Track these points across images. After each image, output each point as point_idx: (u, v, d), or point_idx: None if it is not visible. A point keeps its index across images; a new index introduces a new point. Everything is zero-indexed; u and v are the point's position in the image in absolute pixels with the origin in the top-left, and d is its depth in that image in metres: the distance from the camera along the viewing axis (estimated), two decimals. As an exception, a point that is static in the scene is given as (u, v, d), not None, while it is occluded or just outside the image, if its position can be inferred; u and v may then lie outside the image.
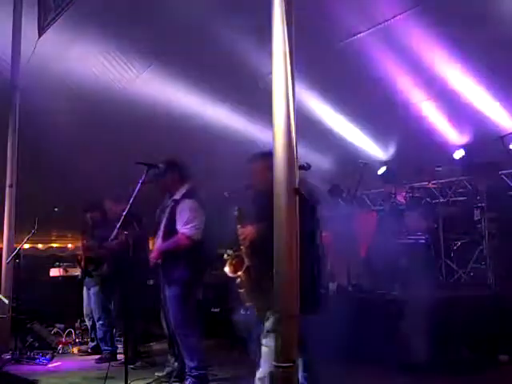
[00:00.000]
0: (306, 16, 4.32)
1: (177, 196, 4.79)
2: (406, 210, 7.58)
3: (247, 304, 3.62)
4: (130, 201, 4.17)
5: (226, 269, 3.65)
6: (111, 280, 6.01)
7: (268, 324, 3.34)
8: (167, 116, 7.50)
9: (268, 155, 3.64)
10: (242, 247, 3.59)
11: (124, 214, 4.14)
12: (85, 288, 6.57)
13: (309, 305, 3.24)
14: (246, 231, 3.58)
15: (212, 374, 4.92)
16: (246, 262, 3.53)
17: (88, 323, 6.69)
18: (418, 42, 6.24)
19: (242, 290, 3.57)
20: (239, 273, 3.55)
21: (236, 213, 3.68)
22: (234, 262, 3.64)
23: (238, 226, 3.63)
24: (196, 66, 6.93)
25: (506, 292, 5.88)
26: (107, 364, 4.89)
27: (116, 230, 4.22)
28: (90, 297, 6.47)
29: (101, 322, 6.32)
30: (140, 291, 5.24)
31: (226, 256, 3.68)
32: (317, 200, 3.61)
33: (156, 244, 4.83)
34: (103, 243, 5.70)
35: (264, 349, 3.34)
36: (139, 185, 4.19)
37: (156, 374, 5.09)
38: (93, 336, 6.62)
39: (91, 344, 6.65)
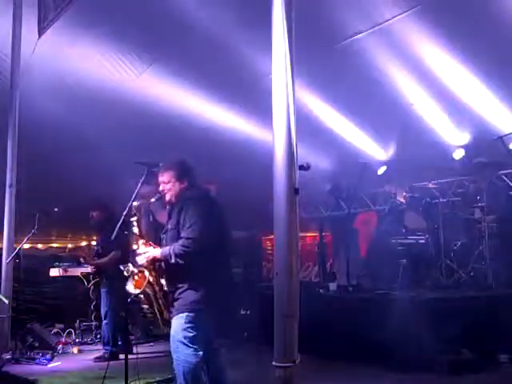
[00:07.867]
0: (306, 16, 4.32)
1: None
2: (406, 210, 7.57)
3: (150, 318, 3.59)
4: (130, 202, 4.11)
5: (129, 285, 3.53)
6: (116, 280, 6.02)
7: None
8: (168, 116, 7.49)
9: (175, 165, 3.69)
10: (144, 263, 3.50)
11: (124, 214, 4.10)
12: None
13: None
14: (151, 253, 3.49)
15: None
16: (149, 277, 3.45)
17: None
18: (417, 42, 6.24)
19: (145, 306, 3.49)
20: (142, 289, 3.45)
21: (135, 229, 3.63)
22: (136, 277, 3.52)
23: (140, 242, 3.57)
24: (195, 66, 6.93)
25: (506, 292, 5.87)
26: (107, 363, 4.87)
27: (116, 230, 4.18)
28: (102, 296, 6.51)
29: (105, 321, 6.32)
30: None
31: (126, 273, 3.56)
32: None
33: None
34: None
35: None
36: (139, 186, 4.11)
37: (157, 378, 5.04)
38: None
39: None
